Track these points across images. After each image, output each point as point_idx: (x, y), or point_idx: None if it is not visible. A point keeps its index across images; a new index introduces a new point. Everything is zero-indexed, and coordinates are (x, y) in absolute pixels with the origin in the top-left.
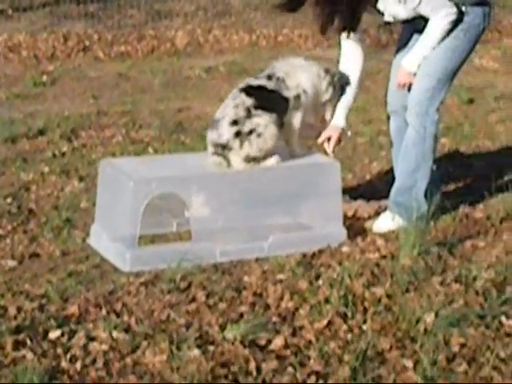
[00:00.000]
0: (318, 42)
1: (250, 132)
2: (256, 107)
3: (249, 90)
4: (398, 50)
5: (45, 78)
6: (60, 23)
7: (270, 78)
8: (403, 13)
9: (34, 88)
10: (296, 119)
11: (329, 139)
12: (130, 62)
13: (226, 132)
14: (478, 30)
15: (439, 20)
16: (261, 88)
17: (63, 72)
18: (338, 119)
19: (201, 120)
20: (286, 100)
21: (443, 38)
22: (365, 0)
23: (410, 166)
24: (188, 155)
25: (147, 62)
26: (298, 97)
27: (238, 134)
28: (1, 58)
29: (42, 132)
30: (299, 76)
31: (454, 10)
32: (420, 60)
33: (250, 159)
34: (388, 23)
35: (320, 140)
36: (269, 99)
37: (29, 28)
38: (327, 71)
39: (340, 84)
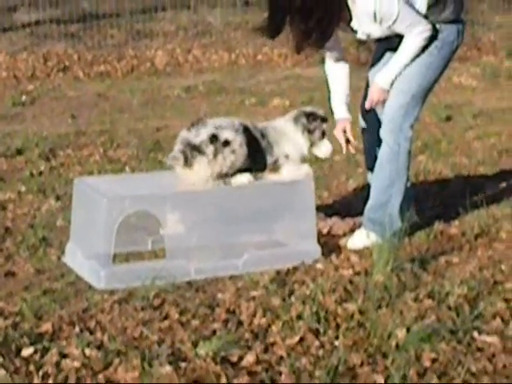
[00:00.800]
0: (297, 61)
1: (226, 143)
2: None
3: (246, 130)
4: (371, 66)
5: (24, 97)
6: (40, 43)
7: (263, 137)
8: (378, 31)
9: (12, 108)
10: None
11: (344, 131)
12: (110, 81)
13: (203, 134)
14: (452, 46)
15: (414, 37)
16: (255, 139)
17: (42, 92)
18: (345, 112)
19: None
20: (265, 163)
21: (418, 55)
22: (336, 18)
23: (384, 182)
24: (163, 173)
25: (127, 82)
26: (276, 161)
27: (213, 140)
28: None
29: (19, 151)
30: (284, 146)
31: (429, 26)
32: (394, 77)
33: (219, 174)
34: (361, 41)
35: (336, 132)
36: (255, 151)
37: (9, 48)
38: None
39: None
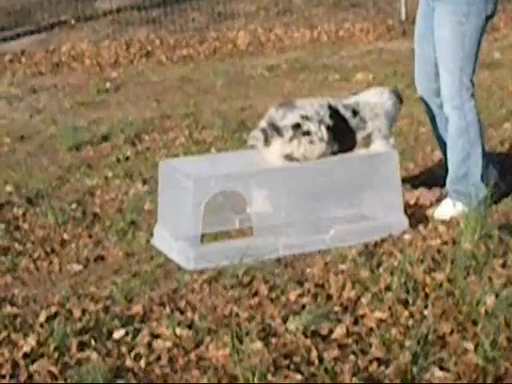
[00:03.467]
0: (379, 35)
1: (306, 133)
2: (328, 128)
3: (333, 114)
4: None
5: (108, 84)
6: (122, 30)
7: (354, 114)
8: None
9: (97, 95)
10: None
11: None
12: (193, 64)
13: (288, 119)
14: (481, 14)
15: None
16: (343, 120)
17: (126, 78)
18: None
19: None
20: (354, 142)
21: (447, 29)
22: None
23: (460, 155)
24: (247, 152)
25: (209, 64)
26: (370, 135)
27: (294, 127)
28: (64, 68)
29: (105, 138)
30: (378, 119)
31: None
32: None
33: (288, 157)
34: None
35: None
36: (343, 135)
37: (91, 37)
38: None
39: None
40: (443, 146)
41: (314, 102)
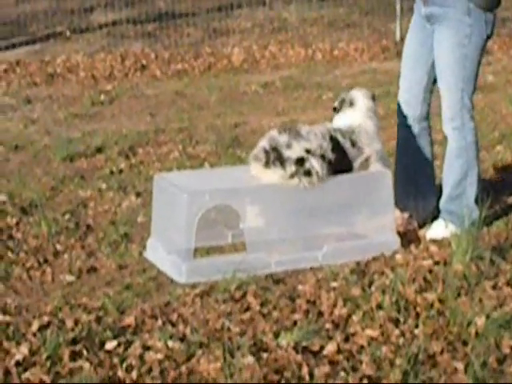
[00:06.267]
0: (374, 55)
1: (307, 173)
2: (329, 163)
3: (335, 146)
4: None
5: (103, 97)
6: (117, 43)
7: (353, 144)
8: None
9: (91, 107)
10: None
11: None
12: (187, 79)
13: (293, 150)
14: (482, 35)
15: None
16: (343, 152)
17: (121, 91)
18: None
19: (257, 134)
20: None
21: (451, 50)
22: None
23: (457, 176)
24: (241, 167)
25: (204, 79)
26: (368, 159)
27: (298, 163)
28: (59, 79)
29: (99, 150)
30: (375, 143)
31: None
32: None
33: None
34: None
35: None
36: (342, 167)
37: (87, 49)
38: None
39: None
40: (404, 173)
41: (316, 132)
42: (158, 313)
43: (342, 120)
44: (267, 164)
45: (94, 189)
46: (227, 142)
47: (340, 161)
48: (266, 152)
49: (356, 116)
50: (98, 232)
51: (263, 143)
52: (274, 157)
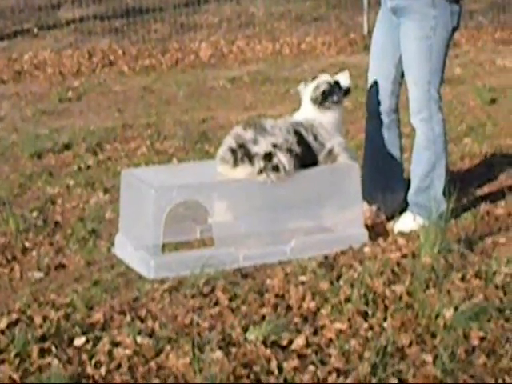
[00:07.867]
0: (341, 49)
1: (275, 168)
2: (296, 156)
3: (300, 140)
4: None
5: (70, 93)
6: (85, 40)
7: (315, 138)
8: None
9: (59, 104)
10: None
11: None
12: (155, 75)
13: (259, 146)
14: (447, 28)
15: None
16: (307, 145)
17: (88, 87)
18: None
19: (225, 129)
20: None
21: (415, 42)
22: None
23: (425, 168)
24: (209, 162)
25: (172, 75)
26: (331, 151)
27: (265, 158)
28: (27, 76)
29: (67, 146)
30: (336, 136)
31: None
32: None
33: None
34: None
35: None
36: (307, 160)
37: (54, 45)
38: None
39: None
40: (372, 166)
41: (281, 126)
42: (127, 309)
43: (302, 113)
44: (235, 163)
45: (62, 185)
46: (195, 137)
47: (305, 154)
48: (233, 151)
49: (313, 109)
50: (66, 228)
51: (229, 141)
52: (242, 154)
